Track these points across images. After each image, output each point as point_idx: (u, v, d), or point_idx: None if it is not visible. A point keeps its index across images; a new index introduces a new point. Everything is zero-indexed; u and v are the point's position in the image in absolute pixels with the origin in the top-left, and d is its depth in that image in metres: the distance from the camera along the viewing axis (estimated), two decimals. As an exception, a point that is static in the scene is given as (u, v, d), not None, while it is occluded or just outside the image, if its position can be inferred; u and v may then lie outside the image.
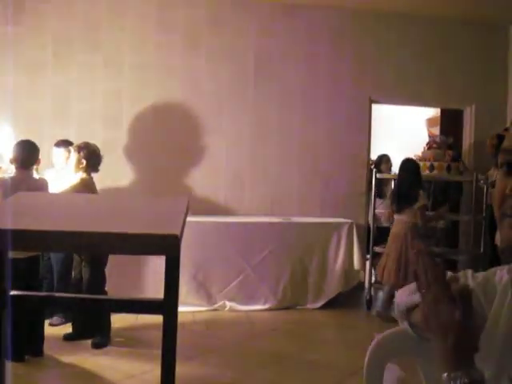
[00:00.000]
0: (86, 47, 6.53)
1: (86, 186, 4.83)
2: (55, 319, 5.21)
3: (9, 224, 1.80)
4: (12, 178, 4.54)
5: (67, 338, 4.85)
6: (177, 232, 1.68)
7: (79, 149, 4.94)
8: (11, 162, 4.65)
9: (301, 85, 6.98)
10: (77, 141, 5.27)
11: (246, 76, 6.90)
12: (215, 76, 6.82)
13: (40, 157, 4.77)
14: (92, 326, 4.85)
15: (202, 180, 6.70)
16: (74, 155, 4.94)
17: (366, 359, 1.65)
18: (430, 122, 9.45)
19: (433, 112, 9.28)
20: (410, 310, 1.51)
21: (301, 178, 6.95)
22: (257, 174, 6.87)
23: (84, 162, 4.91)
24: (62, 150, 5.57)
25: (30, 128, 6.10)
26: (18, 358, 4.18)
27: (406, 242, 5.58)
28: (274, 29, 6.95)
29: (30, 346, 4.34)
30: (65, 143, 5.59)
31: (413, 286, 1.45)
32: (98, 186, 5.06)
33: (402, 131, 9.84)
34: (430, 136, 9.14)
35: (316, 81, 7.03)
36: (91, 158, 4.96)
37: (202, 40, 6.80)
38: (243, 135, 6.86)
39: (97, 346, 4.71)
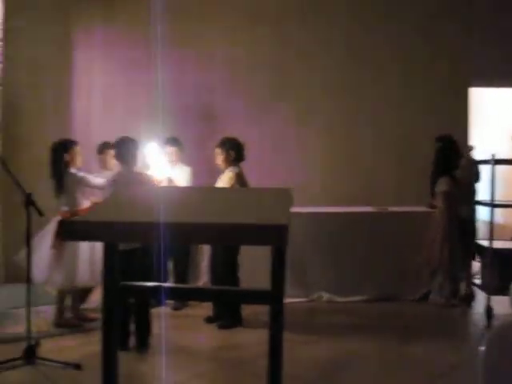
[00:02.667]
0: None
1: (240, 179, 5.09)
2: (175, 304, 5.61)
3: (118, 216, 1.88)
4: (117, 175, 4.73)
5: (208, 320, 5.21)
6: (285, 222, 1.70)
7: (222, 144, 5.16)
8: (115, 158, 4.86)
9: (397, 70, 6.85)
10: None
11: (337, 65, 6.85)
12: (306, 67, 6.82)
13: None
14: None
15: (296, 171, 6.71)
16: (219, 151, 5.16)
17: (483, 351, 1.60)
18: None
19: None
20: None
21: (396, 167, 6.83)
22: (351, 163, 6.82)
23: (232, 153, 5.14)
24: (171, 148, 5.84)
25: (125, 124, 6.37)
26: (124, 346, 4.38)
27: (442, 225, 5.58)
28: (364, 16, 6.86)
29: (137, 336, 4.53)
30: (177, 141, 5.87)
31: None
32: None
33: (501, 117, 9.41)
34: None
35: (412, 66, 6.87)
36: (237, 148, 5.20)
37: (292, 32, 6.81)
38: (336, 124, 6.82)
39: (223, 327, 5.03)
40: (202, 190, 3.07)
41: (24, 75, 6.74)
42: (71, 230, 1.80)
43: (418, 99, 6.89)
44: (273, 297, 1.93)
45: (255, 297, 2.09)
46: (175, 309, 5.63)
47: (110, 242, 1.80)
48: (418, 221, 6.15)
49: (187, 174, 5.88)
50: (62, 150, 4.95)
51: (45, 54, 6.88)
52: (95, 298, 5.36)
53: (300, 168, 6.78)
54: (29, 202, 4.05)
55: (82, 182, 4.97)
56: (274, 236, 1.73)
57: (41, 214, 4.09)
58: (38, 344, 4.19)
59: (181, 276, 5.88)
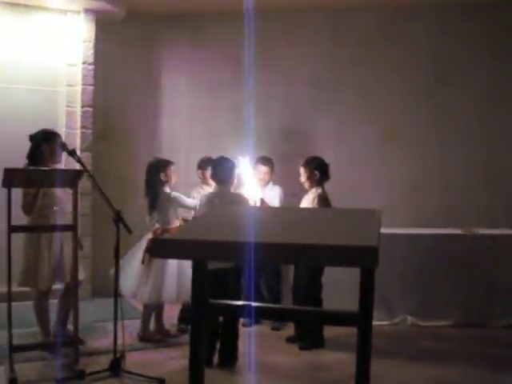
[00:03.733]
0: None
1: (324, 199, 5.04)
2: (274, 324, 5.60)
3: (207, 235, 1.90)
4: (212, 194, 4.81)
5: (290, 340, 5.19)
6: (375, 244, 1.66)
7: (306, 163, 5.17)
8: (210, 177, 4.96)
9: (486, 85, 6.64)
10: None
11: (425, 82, 6.73)
12: (392, 86, 6.75)
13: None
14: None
15: (382, 191, 6.59)
16: (303, 171, 5.16)
17: None
18: None
19: None
20: None
21: (487, 187, 6.58)
22: (438, 183, 6.64)
23: (317, 173, 5.10)
24: (263, 167, 5.85)
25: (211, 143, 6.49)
26: (209, 363, 4.41)
27: None
28: (449, 31, 6.73)
29: (223, 353, 4.57)
30: (269, 160, 5.87)
31: None
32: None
33: None
34: None
35: (503, 81, 6.65)
36: (322, 167, 5.16)
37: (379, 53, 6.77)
38: (423, 144, 6.68)
39: (305, 348, 4.99)
40: (289, 210, 3.07)
41: (114, 97, 7.02)
42: (161, 247, 1.83)
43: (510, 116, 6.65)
44: (361, 319, 1.89)
45: (343, 318, 2.05)
46: (274, 329, 5.59)
47: (199, 260, 1.82)
48: (509, 244, 5.89)
49: (278, 194, 5.86)
50: (157, 170, 5.08)
51: (133, 76, 7.14)
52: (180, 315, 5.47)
53: (386, 188, 6.65)
54: (118, 218, 4.18)
55: (175, 202, 5.09)
56: (363, 257, 1.70)
57: (129, 231, 4.21)
58: (123, 357, 4.30)
59: (273, 296, 5.87)
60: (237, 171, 4.91)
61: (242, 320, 5.36)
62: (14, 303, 4.14)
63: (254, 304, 2.05)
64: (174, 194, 5.11)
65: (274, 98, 6.88)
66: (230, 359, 4.55)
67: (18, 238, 4.54)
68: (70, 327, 4.57)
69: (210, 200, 4.69)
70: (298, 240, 1.74)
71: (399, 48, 6.78)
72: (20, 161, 4.72)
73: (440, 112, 6.73)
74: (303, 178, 5.20)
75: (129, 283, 4.94)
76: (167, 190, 5.09)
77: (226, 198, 4.64)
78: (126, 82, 7.09)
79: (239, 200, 4.73)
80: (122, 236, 4.20)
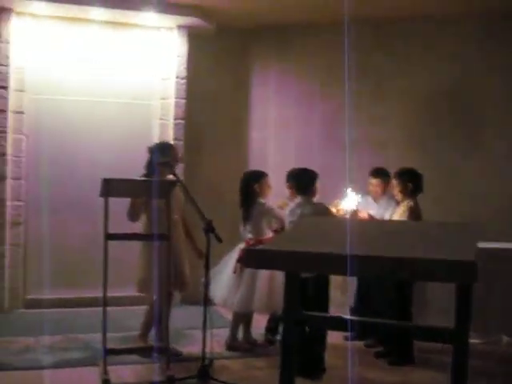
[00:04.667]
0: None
1: (415, 212, 4.95)
2: (370, 341, 5.43)
3: (300, 246, 1.91)
4: (295, 205, 4.84)
5: (378, 355, 5.11)
6: (473, 258, 1.62)
7: (400, 174, 5.09)
8: (289, 187, 4.98)
9: None
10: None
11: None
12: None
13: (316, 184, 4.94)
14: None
15: (475, 203, 6.34)
16: (396, 182, 5.09)
17: None
18: None
19: None
20: None
21: None
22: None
23: (410, 185, 5.02)
24: (373, 179, 5.65)
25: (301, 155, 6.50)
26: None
27: None
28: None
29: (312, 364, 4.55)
30: (382, 172, 5.65)
31: None
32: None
33: None
34: None
35: None
36: (415, 179, 5.07)
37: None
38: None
39: (394, 363, 4.90)
40: (382, 223, 3.04)
41: (204, 109, 7.19)
42: (255, 258, 1.86)
43: None
44: (458, 336, 1.84)
45: (437, 335, 2.00)
46: (368, 346, 5.43)
47: (292, 271, 1.84)
48: None
49: (391, 208, 5.46)
50: (252, 181, 5.16)
51: (224, 89, 7.30)
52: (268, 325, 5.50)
53: (479, 201, 6.41)
54: (209, 228, 4.27)
55: (269, 213, 5.13)
56: (461, 273, 1.65)
57: (219, 240, 4.29)
58: (211, 365, 4.38)
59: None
60: (317, 181, 4.88)
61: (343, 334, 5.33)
62: (110, 308, 4.32)
63: (344, 317, 2.03)
64: (269, 205, 5.16)
65: (363, 109, 6.79)
66: (316, 371, 4.53)
67: (135, 246, 4.85)
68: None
69: (293, 211, 4.73)
70: (394, 253, 1.72)
71: None
72: (118, 170, 4.94)
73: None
74: (396, 190, 5.11)
75: (220, 291, 5.03)
76: (261, 201, 5.14)
77: (307, 209, 4.65)
78: (217, 94, 7.25)
79: (321, 210, 4.71)
80: (214, 245, 4.29)
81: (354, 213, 5.37)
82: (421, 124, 6.75)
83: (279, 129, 7.26)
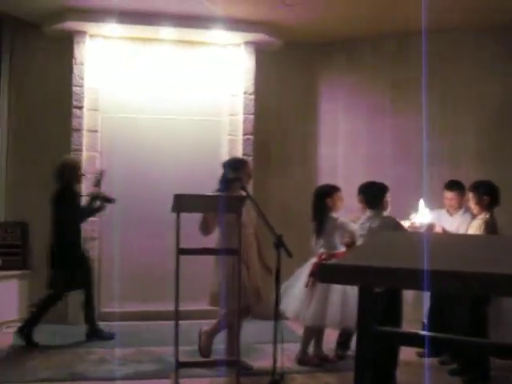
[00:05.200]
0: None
1: (491, 226, 4.82)
2: (445, 358, 5.27)
3: (373, 261, 1.90)
4: (364, 219, 4.80)
5: (452, 372, 4.96)
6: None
7: (475, 187, 5.00)
8: (360, 201, 4.95)
9: None
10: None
11: None
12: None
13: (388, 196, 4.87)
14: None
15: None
16: (472, 196, 4.99)
17: None
18: None
19: None
20: None
21: None
22: None
23: (486, 198, 4.92)
24: (448, 192, 5.54)
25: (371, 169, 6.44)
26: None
27: None
28: None
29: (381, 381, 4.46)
30: (457, 185, 5.54)
31: None
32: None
33: None
34: None
35: None
36: (492, 192, 4.95)
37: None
38: None
39: (469, 382, 4.74)
40: (459, 237, 2.97)
41: (273, 124, 7.25)
42: (328, 272, 1.86)
43: None
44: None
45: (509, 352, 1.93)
46: (442, 363, 5.25)
47: (365, 286, 1.83)
48: None
49: (466, 222, 5.33)
50: (324, 195, 5.17)
51: (292, 104, 7.35)
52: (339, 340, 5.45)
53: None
54: (279, 243, 4.30)
55: (341, 228, 5.12)
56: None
57: (290, 255, 4.31)
58: (282, 379, 4.37)
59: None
60: (388, 194, 4.82)
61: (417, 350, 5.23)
62: (182, 322, 4.39)
63: (420, 332, 2.00)
64: (341, 219, 5.14)
65: (435, 120, 6.65)
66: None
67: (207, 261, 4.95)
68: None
69: (363, 225, 4.71)
70: (469, 268, 1.68)
71: None
72: (189, 186, 5.05)
73: None
74: (472, 204, 4.99)
75: (292, 305, 5.04)
76: (334, 215, 5.13)
77: (376, 222, 4.61)
78: (285, 110, 7.31)
79: (391, 223, 4.65)
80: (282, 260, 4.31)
81: (430, 227, 5.26)
82: (495, 134, 6.56)
83: (348, 144, 7.24)
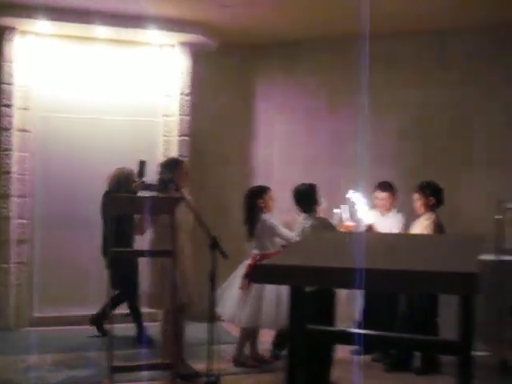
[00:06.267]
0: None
1: (438, 226, 5.01)
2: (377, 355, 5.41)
3: (303, 260, 1.92)
4: (300, 221, 4.85)
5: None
6: (473, 270, 1.63)
7: (422, 188, 5.17)
8: (296, 204, 4.99)
9: None
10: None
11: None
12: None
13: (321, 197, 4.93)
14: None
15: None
16: (418, 196, 5.15)
17: None
18: None
19: None
20: None
21: None
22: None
23: (432, 199, 5.09)
24: (380, 193, 5.67)
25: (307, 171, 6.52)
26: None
27: None
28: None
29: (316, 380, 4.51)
30: (388, 186, 5.68)
31: None
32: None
33: None
34: None
35: None
36: (437, 193, 5.14)
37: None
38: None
39: (420, 372, 4.97)
40: (387, 237, 3.04)
41: (209, 125, 7.24)
42: (260, 273, 1.87)
43: None
44: (459, 348, 1.85)
45: (442, 347, 2.00)
46: (375, 360, 5.41)
47: (295, 285, 1.85)
48: None
49: (399, 222, 5.57)
50: (256, 196, 5.19)
51: (229, 105, 7.35)
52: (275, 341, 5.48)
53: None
54: (214, 244, 4.28)
55: (272, 229, 5.14)
56: (461, 284, 1.66)
57: (225, 256, 4.30)
58: (217, 380, 4.36)
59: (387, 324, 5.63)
60: (319, 195, 4.88)
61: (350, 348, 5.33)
62: (117, 325, 4.32)
63: (350, 330, 2.04)
64: (271, 221, 5.15)
65: (376, 123, 6.76)
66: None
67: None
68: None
69: (298, 227, 4.78)
70: (395, 266, 1.73)
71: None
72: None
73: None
74: (417, 204, 5.15)
75: (228, 308, 5.05)
76: (265, 216, 5.16)
77: (309, 223, 4.68)
78: (221, 110, 7.30)
79: (323, 224, 4.72)
80: (222, 261, 4.30)
81: (369, 227, 5.38)
82: (423, 137, 6.76)
83: (284, 145, 7.30)
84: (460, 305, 1.88)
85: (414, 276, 1.74)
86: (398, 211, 5.68)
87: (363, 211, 5.41)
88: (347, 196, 5.38)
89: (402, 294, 5.31)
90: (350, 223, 5.30)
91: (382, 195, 5.68)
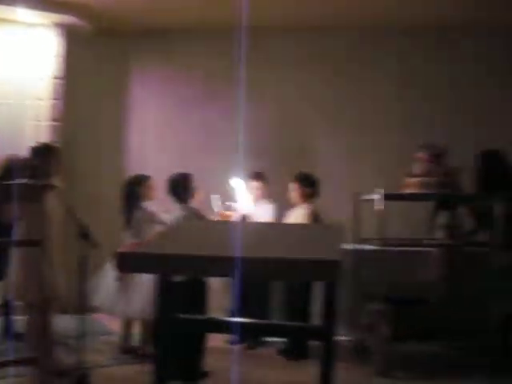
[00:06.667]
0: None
1: (315, 216, 5.13)
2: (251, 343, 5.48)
3: (165, 249, 1.90)
4: (173, 211, 4.81)
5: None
6: (336, 258, 1.69)
7: (298, 179, 5.26)
8: (170, 194, 4.94)
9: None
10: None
11: (390, 101, 6.82)
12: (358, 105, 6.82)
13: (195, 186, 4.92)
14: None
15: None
16: (294, 186, 5.23)
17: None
18: None
19: None
20: None
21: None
22: (401, 202, 6.70)
23: (308, 189, 5.23)
24: (252, 182, 5.73)
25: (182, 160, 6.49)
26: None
27: None
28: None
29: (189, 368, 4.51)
30: (261, 175, 5.78)
31: None
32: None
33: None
34: None
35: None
36: (313, 184, 5.27)
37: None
38: (387, 162, 6.74)
39: (290, 358, 5.08)
40: (260, 226, 3.09)
41: (82, 111, 6.99)
42: (125, 262, 1.83)
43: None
44: (323, 333, 1.91)
45: (307, 332, 2.06)
46: (250, 348, 5.48)
47: (163, 274, 1.82)
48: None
49: (270, 211, 5.71)
50: (135, 185, 5.08)
51: (105, 91, 7.15)
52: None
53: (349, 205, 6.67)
54: (84, 234, 4.14)
55: (150, 217, 5.05)
56: (324, 272, 1.72)
57: (95, 246, 4.17)
58: (88, 375, 4.25)
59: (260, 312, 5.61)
60: (193, 185, 4.87)
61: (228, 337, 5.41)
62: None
63: (218, 318, 2.05)
64: (151, 209, 5.08)
65: (243, 114, 6.87)
66: (197, 375, 4.51)
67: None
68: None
69: (172, 216, 4.73)
70: (264, 254, 1.75)
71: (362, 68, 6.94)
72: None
73: (403, 133, 6.82)
74: (294, 194, 5.26)
75: (104, 299, 4.92)
76: (144, 205, 5.07)
77: (181, 213, 4.65)
78: (96, 96, 7.08)
79: (193, 214, 4.71)
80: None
81: (244, 217, 5.43)
82: (298, 129, 6.97)
83: (159, 132, 7.22)
84: (324, 292, 1.94)
85: (282, 264, 1.77)
86: (273, 201, 5.80)
87: (241, 201, 5.48)
88: (229, 185, 5.45)
89: (278, 282, 5.46)
90: (227, 212, 5.35)
91: (254, 185, 5.79)
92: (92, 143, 7.05)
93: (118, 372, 4.74)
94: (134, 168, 6.52)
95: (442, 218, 5.50)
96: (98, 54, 7.06)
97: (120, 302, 4.92)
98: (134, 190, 5.07)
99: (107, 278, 5.03)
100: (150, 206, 5.13)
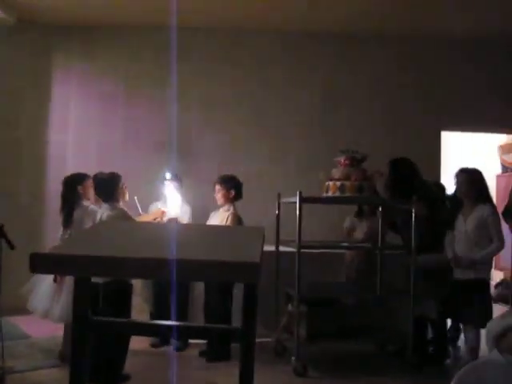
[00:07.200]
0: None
1: (236, 219, 5.16)
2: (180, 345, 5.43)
3: (82, 250, 1.86)
4: (99, 211, 4.72)
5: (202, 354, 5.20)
6: (256, 260, 1.70)
7: (223, 181, 5.27)
8: (96, 194, 4.84)
9: (373, 111, 7.04)
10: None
11: (313, 104, 6.95)
12: (281, 107, 6.92)
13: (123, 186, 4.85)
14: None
15: (270, 210, 6.67)
16: (219, 188, 5.24)
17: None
18: (504, 149, 9.18)
19: (506, 138, 9.02)
20: (501, 336, 1.48)
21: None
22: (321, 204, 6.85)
23: (233, 192, 5.23)
24: (174, 184, 5.70)
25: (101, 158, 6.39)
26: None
27: None
28: (340, 58, 7.10)
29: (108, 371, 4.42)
30: (173, 176, 5.72)
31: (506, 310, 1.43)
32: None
33: (472, 158, 9.58)
34: (502, 164, 8.88)
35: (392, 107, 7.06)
36: (237, 187, 5.29)
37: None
38: (308, 164, 6.88)
39: (211, 360, 5.05)
40: (182, 227, 3.07)
41: (1, 106, 6.74)
42: (39, 263, 1.77)
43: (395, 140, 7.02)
44: (243, 334, 1.93)
45: (226, 334, 2.07)
46: (178, 349, 5.40)
47: (80, 276, 1.78)
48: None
49: (188, 212, 5.76)
50: (74, 183, 4.94)
51: (23, 85, 6.91)
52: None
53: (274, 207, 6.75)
54: (0, 234, 4.00)
55: (91, 216, 4.91)
56: (244, 273, 1.73)
57: (12, 247, 4.03)
58: (2, 379, 4.11)
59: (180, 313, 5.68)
60: (119, 184, 4.80)
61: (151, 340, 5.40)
62: None
63: (137, 321, 2.02)
64: (92, 207, 4.95)
65: (164, 114, 6.87)
66: (117, 377, 4.43)
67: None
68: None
69: (98, 217, 4.65)
70: (185, 256, 1.75)
71: (286, 71, 7.07)
72: None
73: (325, 136, 7.01)
74: (218, 195, 5.27)
75: (39, 302, 4.74)
76: (85, 203, 4.94)
77: (107, 214, 4.58)
78: (14, 91, 6.84)
79: (120, 214, 4.65)
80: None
81: (172, 220, 5.41)
82: (223, 133, 7.01)
83: (80, 130, 7.05)
84: (244, 293, 1.96)
85: (203, 265, 1.77)
86: (185, 202, 5.83)
87: (170, 202, 5.49)
88: (154, 186, 5.43)
89: (199, 283, 5.45)
90: (162, 209, 5.37)
91: (173, 184, 5.78)
92: (9, 140, 6.80)
93: (33, 377, 4.59)
94: (53, 166, 6.37)
95: (359, 221, 5.71)
96: (19, 47, 6.84)
97: (55, 305, 4.76)
98: (75, 188, 4.94)
99: (43, 280, 4.84)
100: (91, 204, 5.01)
